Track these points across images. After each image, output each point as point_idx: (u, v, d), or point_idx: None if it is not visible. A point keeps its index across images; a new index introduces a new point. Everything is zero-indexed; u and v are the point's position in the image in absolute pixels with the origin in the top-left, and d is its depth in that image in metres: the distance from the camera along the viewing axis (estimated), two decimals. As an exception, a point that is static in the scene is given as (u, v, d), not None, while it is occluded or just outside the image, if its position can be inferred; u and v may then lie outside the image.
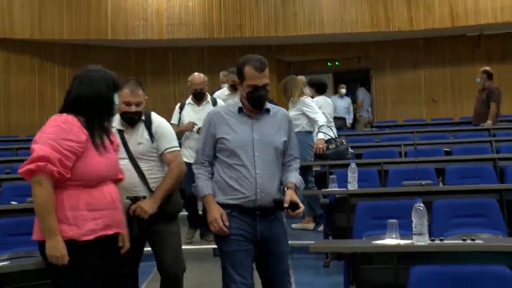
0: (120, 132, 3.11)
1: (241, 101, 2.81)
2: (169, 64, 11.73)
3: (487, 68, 8.52)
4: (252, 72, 2.69)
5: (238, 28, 10.98)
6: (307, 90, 6.30)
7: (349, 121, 10.51)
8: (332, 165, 5.30)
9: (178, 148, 3.25)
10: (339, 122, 10.07)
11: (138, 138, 3.13)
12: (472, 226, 3.71)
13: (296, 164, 2.90)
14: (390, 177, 5.03)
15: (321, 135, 5.48)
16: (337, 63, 12.35)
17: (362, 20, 11.01)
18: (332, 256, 4.75)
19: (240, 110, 2.79)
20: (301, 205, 2.69)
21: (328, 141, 5.44)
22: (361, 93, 11.48)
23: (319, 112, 5.73)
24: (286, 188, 2.80)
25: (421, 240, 2.59)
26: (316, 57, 12.10)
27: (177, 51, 11.62)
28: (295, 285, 4.47)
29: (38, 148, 2.33)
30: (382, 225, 2.96)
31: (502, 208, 3.89)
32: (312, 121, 5.69)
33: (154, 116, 3.24)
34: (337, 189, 4.41)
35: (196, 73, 5.38)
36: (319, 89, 6.47)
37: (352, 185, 4.22)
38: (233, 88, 5.54)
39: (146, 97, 3.18)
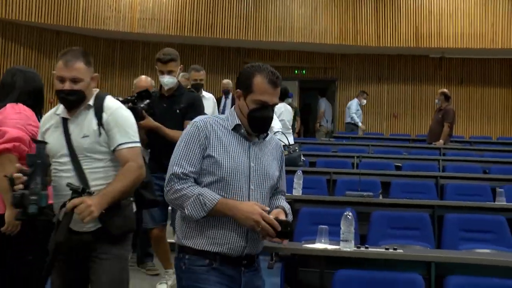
0: (64, 121, 2.38)
1: (237, 117, 2.20)
2: (138, 58, 11.72)
3: (445, 90, 8.89)
4: (264, 85, 2.13)
5: (210, 28, 11.07)
6: None
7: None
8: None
9: (139, 145, 2.42)
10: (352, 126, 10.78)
11: (84, 129, 2.34)
12: (405, 237, 3.95)
13: (284, 199, 2.37)
14: (338, 187, 5.23)
15: None
16: (303, 71, 12.56)
17: (331, 32, 11.26)
18: (276, 259, 4.90)
19: (235, 128, 2.18)
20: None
21: None
22: (323, 103, 11.74)
23: (275, 119, 5.91)
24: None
25: (347, 246, 2.77)
26: (283, 64, 12.28)
27: (148, 45, 11.62)
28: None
29: (13, 130, 2.56)
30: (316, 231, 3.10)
31: (434, 223, 4.13)
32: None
33: (109, 101, 2.43)
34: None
35: (142, 76, 5.11)
36: (280, 96, 6.66)
37: (297, 191, 4.38)
38: (197, 90, 5.16)
39: (95, 74, 2.42)
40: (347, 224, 2.77)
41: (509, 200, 4.99)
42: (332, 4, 11.33)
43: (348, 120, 10.96)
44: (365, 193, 4.30)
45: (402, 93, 12.25)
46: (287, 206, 2.29)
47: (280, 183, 2.33)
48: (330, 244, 2.90)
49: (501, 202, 4.54)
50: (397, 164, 6.75)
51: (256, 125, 2.17)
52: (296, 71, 12.58)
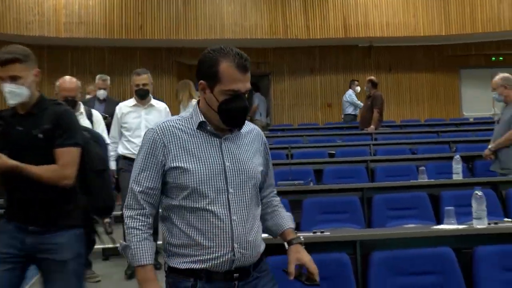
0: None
1: (200, 113, 1.93)
2: (68, 63, 11.41)
3: (372, 77, 9.24)
4: (232, 71, 1.84)
5: (139, 29, 10.95)
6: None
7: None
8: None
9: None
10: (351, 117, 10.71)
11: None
12: (337, 221, 4.10)
13: (276, 197, 2.17)
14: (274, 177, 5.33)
15: None
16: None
17: (261, 27, 11.41)
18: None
19: (200, 125, 1.91)
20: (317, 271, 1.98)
21: None
22: (257, 98, 11.88)
23: None
24: (287, 244, 2.03)
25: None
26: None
27: (77, 50, 11.35)
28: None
29: None
30: None
31: (363, 205, 4.32)
32: None
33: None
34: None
35: (67, 77, 4.47)
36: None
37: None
38: (141, 96, 4.77)
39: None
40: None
41: (431, 176, 5.30)
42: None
43: (346, 112, 10.89)
44: (296, 182, 4.43)
45: (335, 83, 12.58)
46: (292, 221, 2.11)
47: (268, 175, 2.10)
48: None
49: (423, 179, 4.81)
50: (330, 151, 6.96)
51: (230, 118, 1.88)
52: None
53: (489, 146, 5.31)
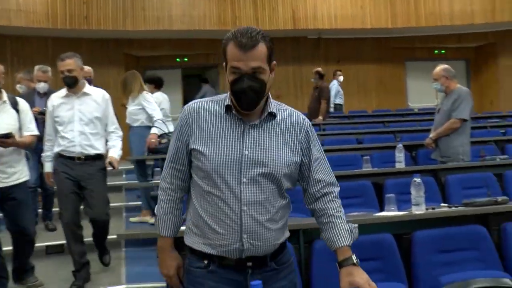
0: None
1: (230, 96, 1.88)
2: (7, 54, 10.92)
3: (319, 69, 9.33)
4: (232, 49, 1.80)
5: (84, 19, 10.59)
6: (146, 86, 6.39)
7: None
8: (165, 159, 5.44)
9: None
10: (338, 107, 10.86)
11: None
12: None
13: (336, 201, 1.95)
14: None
15: (154, 130, 5.62)
16: (185, 59, 12.51)
17: (210, 18, 11.30)
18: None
19: (227, 108, 1.87)
20: None
21: (161, 136, 5.59)
22: (206, 89, 11.81)
23: (157, 109, 5.88)
24: (338, 264, 1.88)
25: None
26: (165, 53, 12.14)
27: (17, 40, 10.87)
28: (125, 277, 4.60)
29: None
30: None
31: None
32: (149, 117, 5.81)
33: None
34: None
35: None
36: (158, 85, 6.60)
37: (175, 177, 4.38)
38: (69, 85, 4.18)
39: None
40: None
41: (377, 165, 5.42)
42: (210, -10, 11.38)
43: (333, 102, 10.99)
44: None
45: (284, 74, 12.63)
46: (348, 233, 1.89)
47: (312, 168, 1.92)
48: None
49: (367, 168, 4.90)
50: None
51: (237, 100, 1.81)
52: (178, 59, 12.49)
53: (430, 135, 5.48)
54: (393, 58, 13.29)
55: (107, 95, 4.40)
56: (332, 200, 1.95)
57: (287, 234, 1.98)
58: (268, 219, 1.83)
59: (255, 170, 1.81)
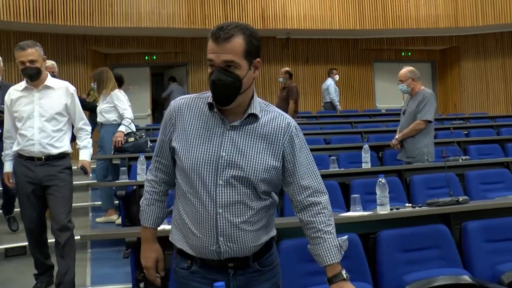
0: None
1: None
2: (-33, 47, 10.58)
3: (288, 68, 9.37)
4: (209, 41, 1.76)
5: (50, 14, 10.33)
6: None
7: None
8: (131, 158, 5.39)
9: None
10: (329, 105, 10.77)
11: None
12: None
13: (325, 213, 1.86)
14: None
15: (122, 128, 5.56)
16: (154, 57, 12.39)
17: (179, 16, 11.20)
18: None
19: (210, 106, 1.83)
20: None
21: (128, 134, 5.54)
22: (174, 88, 11.73)
23: (128, 108, 5.86)
24: (328, 280, 1.83)
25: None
26: (133, 50, 11.99)
27: (-23, 33, 10.55)
28: (90, 278, 4.52)
29: None
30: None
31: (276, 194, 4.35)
32: (120, 115, 5.77)
33: None
34: (127, 180, 4.51)
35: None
36: (119, 83, 6.54)
37: (141, 176, 4.34)
38: (30, 77, 3.78)
39: None
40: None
41: (344, 166, 5.47)
42: (179, -12, 11.28)
43: (327, 100, 11.03)
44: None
45: (253, 74, 12.61)
46: (336, 247, 1.82)
47: (298, 177, 1.84)
48: (169, 224, 2.92)
49: (334, 168, 4.95)
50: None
51: (212, 94, 1.77)
52: (146, 57, 12.36)
53: (396, 137, 5.57)
54: (361, 59, 13.48)
55: (72, 88, 3.98)
56: (321, 213, 1.86)
57: (272, 233, 1.93)
58: (244, 221, 1.78)
59: (231, 173, 1.76)
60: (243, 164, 1.77)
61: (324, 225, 1.83)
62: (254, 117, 1.82)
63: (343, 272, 1.83)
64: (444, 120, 9.70)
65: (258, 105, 1.85)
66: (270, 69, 12.62)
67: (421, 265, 2.89)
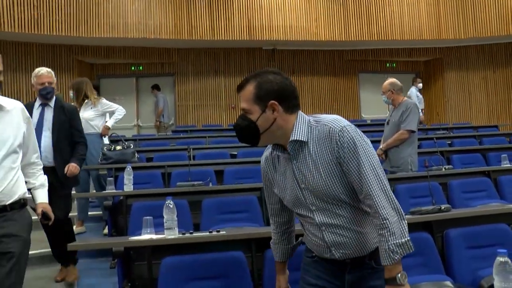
0: None
1: None
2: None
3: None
4: None
5: (36, 24, 10.31)
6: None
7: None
8: (118, 168, 5.40)
9: None
10: None
11: None
12: (236, 220, 4.15)
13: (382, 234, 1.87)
14: (173, 179, 5.30)
15: (111, 121, 5.77)
16: (140, 67, 12.40)
17: (166, 26, 11.25)
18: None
19: (273, 150, 2.13)
20: None
21: (116, 142, 5.57)
22: (162, 100, 11.74)
23: (119, 106, 6.03)
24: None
25: (171, 234, 2.84)
26: (119, 61, 12.00)
27: (-40, 43, 10.46)
28: (78, 288, 4.49)
29: None
30: (155, 224, 3.07)
31: (262, 204, 4.40)
32: (112, 113, 5.96)
33: None
34: (114, 191, 4.51)
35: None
36: (98, 92, 6.61)
37: (128, 187, 4.35)
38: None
39: None
40: (169, 213, 2.84)
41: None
42: (166, -2, 11.34)
43: None
44: (195, 183, 4.41)
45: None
46: (386, 248, 1.84)
47: (358, 184, 1.88)
48: (156, 234, 2.95)
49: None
50: (232, 153, 7.01)
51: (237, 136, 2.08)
52: (132, 68, 12.36)
53: (380, 146, 5.64)
54: (347, 70, 13.63)
55: (24, 110, 2.87)
56: (373, 216, 1.89)
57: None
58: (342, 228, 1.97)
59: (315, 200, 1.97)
60: (314, 187, 1.93)
61: (378, 227, 1.87)
62: (299, 143, 1.96)
63: (398, 276, 1.86)
64: (428, 130, 9.82)
65: (305, 128, 1.97)
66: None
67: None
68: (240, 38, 11.83)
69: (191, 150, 6.66)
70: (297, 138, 1.94)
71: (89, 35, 10.72)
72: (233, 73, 12.70)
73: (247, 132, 1.96)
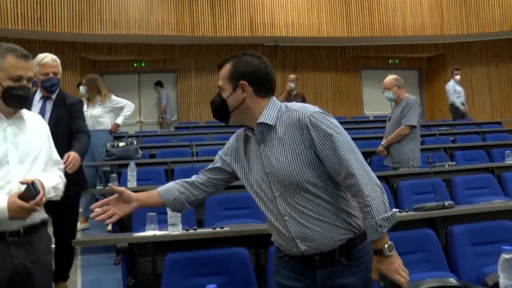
0: None
1: None
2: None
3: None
4: None
5: (39, 21, 10.33)
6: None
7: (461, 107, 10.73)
8: (121, 165, 5.41)
9: None
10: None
11: None
12: (239, 217, 4.15)
13: (360, 193, 1.89)
14: (175, 176, 5.30)
15: (120, 119, 5.80)
16: (143, 64, 12.41)
17: (168, 23, 11.25)
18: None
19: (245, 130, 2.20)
20: None
21: (119, 139, 5.58)
22: (165, 96, 11.73)
23: (128, 101, 6.22)
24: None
25: (175, 230, 2.84)
26: (122, 57, 12.00)
27: (-35, 40, 10.48)
28: (81, 285, 4.51)
29: None
30: (159, 220, 3.10)
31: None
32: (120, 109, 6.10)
33: None
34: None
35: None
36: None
37: (131, 183, 4.35)
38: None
39: None
40: (173, 209, 2.82)
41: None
42: (168, -5, 11.33)
43: (450, 101, 10.84)
44: (198, 179, 4.40)
45: (241, 81, 12.67)
46: (373, 224, 1.87)
47: (326, 163, 1.91)
48: (160, 230, 2.96)
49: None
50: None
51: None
52: (135, 64, 12.37)
53: (382, 143, 5.64)
54: (349, 67, 13.60)
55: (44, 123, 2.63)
56: (357, 195, 1.90)
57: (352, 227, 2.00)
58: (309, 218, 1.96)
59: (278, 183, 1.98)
60: (280, 172, 1.95)
61: (362, 205, 1.89)
62: (267, 126, 1.99)
63: (386, 246, 1.90)
64: (431, 126, 9.81)
65: (274, 113, 2.01)
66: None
67: (408, 269, 2.92)
68: (242, 35, 11.81)
69: (194, 146, 6.69)
70: (264, 121, 1.99)
71: (92, 32, 10.73)
72: (236, 70, 12.65)
73: (220, 109, 2.06)
